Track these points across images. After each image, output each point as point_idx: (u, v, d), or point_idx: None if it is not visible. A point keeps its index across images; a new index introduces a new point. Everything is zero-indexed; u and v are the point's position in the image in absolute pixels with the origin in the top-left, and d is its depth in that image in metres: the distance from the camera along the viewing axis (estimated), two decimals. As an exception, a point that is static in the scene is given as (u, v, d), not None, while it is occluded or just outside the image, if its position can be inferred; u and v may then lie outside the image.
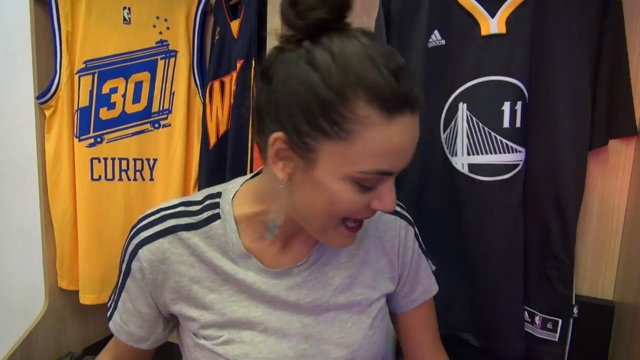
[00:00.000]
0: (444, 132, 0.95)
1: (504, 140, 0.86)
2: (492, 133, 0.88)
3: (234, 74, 1.04)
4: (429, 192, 0.97)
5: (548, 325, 0.90)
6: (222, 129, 1.22)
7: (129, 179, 1.31)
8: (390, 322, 0.74)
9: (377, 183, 0.53)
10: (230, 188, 0.64)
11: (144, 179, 1.32)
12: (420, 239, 0.73)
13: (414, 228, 0.72)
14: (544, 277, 0.90)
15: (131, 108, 1.28)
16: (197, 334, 0.63)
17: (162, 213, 0.62)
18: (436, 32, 0.96)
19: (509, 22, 0.86)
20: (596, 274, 0.96)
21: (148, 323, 0.65)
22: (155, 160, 1.32)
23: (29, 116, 1.28)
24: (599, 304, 0.92)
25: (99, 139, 1.27)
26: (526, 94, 0.84)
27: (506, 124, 0.86)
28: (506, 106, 0.85)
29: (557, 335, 0.89)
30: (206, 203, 0.63)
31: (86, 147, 1.26)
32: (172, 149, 1.32)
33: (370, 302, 0.67)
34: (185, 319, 0.63)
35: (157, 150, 1.31)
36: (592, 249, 0.95)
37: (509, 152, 0.86)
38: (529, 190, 0.87)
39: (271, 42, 0.98)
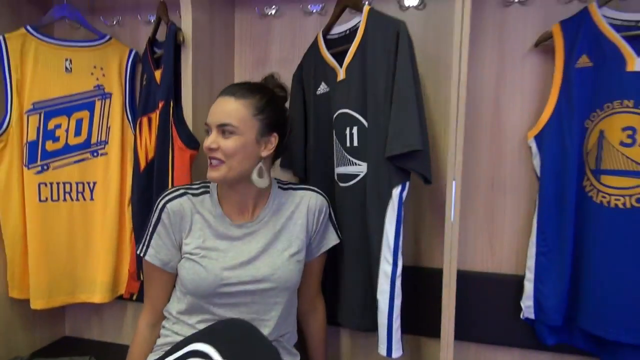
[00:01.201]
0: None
1: (347, 155, 1.23)
2: (342, 150, 1.24)
3: (157, 112, 1.34)
4: (329, 194, 1.30)
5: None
6: (150, 155, 1.50)
7: (72, 200, 1.56)
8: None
9: (208, 133, 1.07)
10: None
11: (85, 199, 1.58)
12: (331, 210, 1.23)
13: (327, 201, 1.22)
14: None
15: (73, 140, 1.55)
16: (187, 253, 1.09)
17: (179, 189, 1.13)
18: (323, 83, 1.34)
19: (347, 70, 1.24)
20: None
21: (171, 252, 1.12)
22: (94, 183, 1.58)
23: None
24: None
25: (45, 167, 1.52)
26: (361, 119, 1.21)
27: (348, 143, 1.23)
28: (348, 131, 1.22)
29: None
30: (202, 189, 1.15)
31: (34, 174, 1.51)
32: (109, 174, 1.58)
33: (291, 245, 1.14)
34: (184, 246, 1.10)
35: (96, 174, 1.58)
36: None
37: (351, 165, 1.23)
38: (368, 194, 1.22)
39: (185, 89, 1.32)
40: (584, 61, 1.17)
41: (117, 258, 1.60)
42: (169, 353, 0.96)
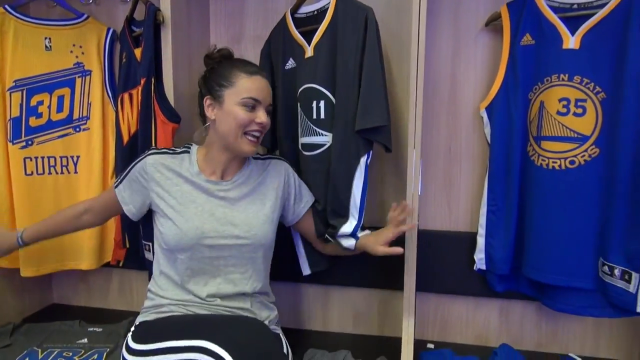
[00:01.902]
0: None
1: (313, 127, 1.35)
2: (308, 122, 1.36)
3: (139, 88, 1.42)
4: (295, 163, 1.43)
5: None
6: (133, 129, 1.58)
7: (57, 173, 1.64)
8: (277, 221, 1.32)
9: (254, 108, 1.17)
10: (196, 145, 1.28)
11: (69, 172, 1.66)
12: (295, 174, 1.37)
13: (288, 164, 1.36)
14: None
15: (56, 116, 1.62)
16: (163, 207, 1.21)
17: (161, 148, 1.28)
18: (290, 59, 1.44)
19: (315, 48, 1.35)
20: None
21: (135, 200, 1.27)
22: (78, 157, 1.66)
23: (-34, 126, 1.57)
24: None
25: (29, 142, 1.59)
26: (328, 94, 1.33)
27: (314, 116, 1.35)
28: (314, 104, 1.34)
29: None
30: (182, 149, 1.28)
31: (19, 149, 1.58)
32: (92, 147, 1.66)
33: (265, 206, 1.26)
34: (158, 199, 1.22)
35: (79, 149, 1.66)
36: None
37: (317, 135, 1.35)
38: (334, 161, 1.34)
39: (166, 66, 1.40)
40: (527, 39, 1.32)
41: (102, 226, 1.69)
42: (174, 335, 1.07)
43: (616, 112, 1.21)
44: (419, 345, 1.49)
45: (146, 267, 1.47)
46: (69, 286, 1.88)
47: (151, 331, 1.16)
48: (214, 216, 1.20)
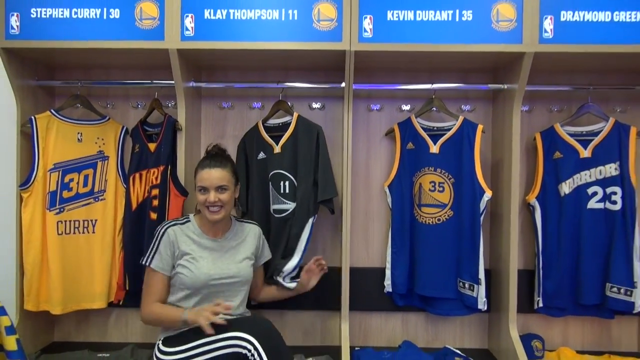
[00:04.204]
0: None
1: (281, 198, 2.08)
2: (277, 194, 2.09)
3: (157, 170, 2.06)
4: (266, 221, 2.12)
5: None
6: (140, 199, 2.17)
7: (79, 233, 2.16)
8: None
9: (206, 191, 1.77)
10: (192, 215, 1.81)
11: (89, 232, 2.18)
12: (263, 236, 1.96)
13: (261, 230, 1.95)
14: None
15: (82, 190, 2.17)
16: (182, 261, 1.77)
17: (170, 221, 1.83)
18: (262, 153, 2.16)
19: (282, 147, 2.11)
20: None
21: (168, 263, 1.77)
22: (96, 220, 2.20)
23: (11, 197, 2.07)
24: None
25: (62, 209, 2.12)
26: (291, 177, 2.07)
27: (282, 191, 2.08)
28: (282, 184, 2.08)
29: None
30: (185, 220, 1.85)
31: (54, 214, 2.09)
32: (106, 213, 2.21)
33: (247, 256, 1.87)
34: (179, 257, 1.77)
35: (97, 214, 2.20)
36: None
37: (283, 204, 2.08)
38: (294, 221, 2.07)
39: (180, 157, 2.06)
40: (410, 145, 2.18)
41: (110, 275, 2.21)
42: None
43: (460, 190, 2.10)
44: (351, 349, 2.17)
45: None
46: (70, 324, 2.31)
47: (180, 338, 1.72)
48: (215, 264, 1.80)
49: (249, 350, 1.59)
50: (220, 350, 1.62)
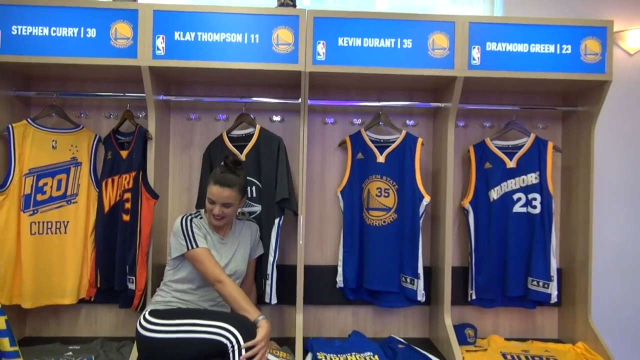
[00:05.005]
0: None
1: (249, 202, 2.30)
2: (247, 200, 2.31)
3: (129, 175, 2.24)
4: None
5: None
6: (112, 202, 2.35)
7: (52, 233, 2.31)
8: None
9: (213, 203, 1.97)
10: (203, 210, 2.08)
11: (61, 233, 2.33)
12: (259, 232, 2.21)
13: (258, 228, 2.22)
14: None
15: (55, 193, 2.32)
16: None
17: (189, 214, 2.05)
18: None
19: (247, 155, 2.33)
20: (289, 253, 2.45)
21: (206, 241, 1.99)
22: (68, 222, 2.35)
23: (-12, 200, 2.21)
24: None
25: (35, 211, 2.27)
26: (257, 182, 2.30)
27: (249, 195, 2.30)
28: (248, 189, 2.29)
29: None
30: (198, 214, 2.07)
31: (28, 216, 2.24)
32: (78, 216, 2.36)
33: (245, 252, 2.13)
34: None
35: (69, 216, 2.35)
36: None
37: (251, 207, 2.30)
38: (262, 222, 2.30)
39: (150, 163, 2.25)
40: (359, 156, 2.45)
41: (80, 273, 2.36)
42: (197, 315, 1.83)
43: (402, 196, 2.37)
44: (305, 339, 2.39)
45: (128, 295, 2.22)
46: (42, 319, 2.44)
47: (168, 313, 1.89)
48: (222, 260, 2.01)
49: (231, 343, 1.74)
50: (204, 334, 1.78)
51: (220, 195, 1.95)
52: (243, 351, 1.73)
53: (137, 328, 1.90)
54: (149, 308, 1.98)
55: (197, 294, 2.01)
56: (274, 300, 2.27)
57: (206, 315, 1.85)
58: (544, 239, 2.38)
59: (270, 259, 2.27)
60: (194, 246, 1.94)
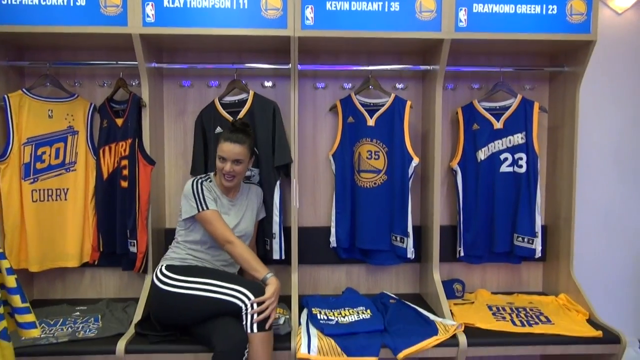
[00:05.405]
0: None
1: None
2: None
3: (125, 143, 2.29)
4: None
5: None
6: (110, 170, 2.42)
7: (53, 200, 2.39)
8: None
9: (224, 161, 2.03)
10: (213, 174, 2.17)
11: (61, 200, 2.41)
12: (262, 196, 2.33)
13: (262, 191, 2.31)
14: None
15: (54, 162, 2.38)
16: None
17: (199, 177, 2.11)
18: (218, 127, 2.43)
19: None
20: (283, 215, 2.54)
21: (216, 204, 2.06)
22: (67, 189, 2.43)
23: (-11, 169, 2.27)
24: (284, 225, 2.50)
25: (36, 179, 2.34)
26: (256, 149, 2.36)
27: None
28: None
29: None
30: (208, 177, 2.13)
31: (29, 184, 2.31)
32: (77, 183, 2.43)
33: (252, 213, 2.22)
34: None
35: (69, 183, 2.42)
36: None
37: (248, 170, 2.37)
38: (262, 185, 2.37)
39: (145, 131, 2.30)
40: (350, 119, 2.50)
41: (82, 237, 2.45)
42: (214, 276, 1.92)
43: (392, 158, 2.44)
44: (302, 297, 2.51)
45: (130, 258, 2.32)
46: (48, 283, 2.55)
47: (185, 269, 1.98)
48: (232, 221, 2.08)
49: (245, 306, 1.82)
50: (219, 295, 1.87)
51: (232, 152, 2.00)
52: (255, 305, 1.82)
53: (153, 281, 2.00)
54: (164, 263, 2.05)
55: (209, 253, 2.09)
56: (282, 257, 2.41)
57: (223, 277, 1.93)
58: (530, 197, 2.46)
59: (276, 218, 2.38)
60: (204, 208, 2.00)
